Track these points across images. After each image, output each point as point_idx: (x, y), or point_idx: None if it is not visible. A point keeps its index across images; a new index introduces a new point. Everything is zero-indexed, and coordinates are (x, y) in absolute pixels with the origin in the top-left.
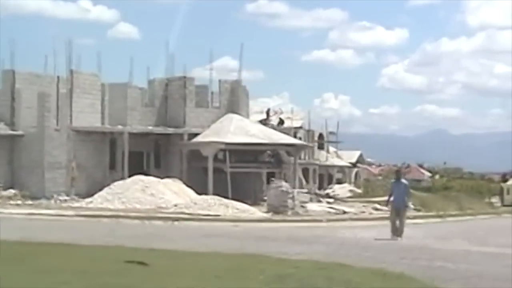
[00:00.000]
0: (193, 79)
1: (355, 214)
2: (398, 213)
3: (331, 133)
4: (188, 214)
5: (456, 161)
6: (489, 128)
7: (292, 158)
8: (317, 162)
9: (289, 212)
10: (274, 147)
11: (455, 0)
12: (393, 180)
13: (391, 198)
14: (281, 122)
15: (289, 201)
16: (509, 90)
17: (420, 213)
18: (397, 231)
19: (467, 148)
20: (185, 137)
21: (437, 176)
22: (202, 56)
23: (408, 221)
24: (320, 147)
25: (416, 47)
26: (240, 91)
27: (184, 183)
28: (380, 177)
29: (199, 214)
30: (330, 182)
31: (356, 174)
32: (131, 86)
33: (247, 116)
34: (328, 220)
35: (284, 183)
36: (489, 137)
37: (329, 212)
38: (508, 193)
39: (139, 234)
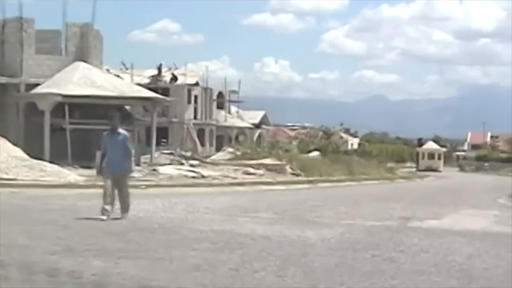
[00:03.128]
0: (33, 20)
1: (215, 178)
2: (116, 180)
3: (232, 91)
4: None
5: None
6: (427, 94)
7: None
8: (214, 123)
9: None
10: (125, 101)
11: None
12: (106, 132)
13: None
14: (174, 78)
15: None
16: (446, 57)
17: (283, 179)
18: (111, 206)
19: (405, 113)
20: (22, 88)
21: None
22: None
23: (263, 187)
24: (220, 106)
25: (356, 13)
26: (91, 36)
27: (12, 141)
28: (296, 140)
29: None
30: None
31: (259, 135)
32: None
33: (100, 65)
34: (156, 185)
35: None
36: (427, 103)
37: (185, 176)
38: (423, 157)
39: None
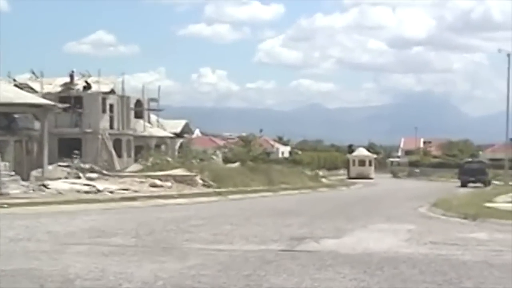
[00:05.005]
0: None
1: (112, 192)
2: None
3: (152, 99)
4: None
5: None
6: (363, 102)
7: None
8: (131, 133)
9: None
10: (11, 108)
11: None
12: None
13: None
14: (88, 86)
15: None
16: (381, 65)
17: (192, 191)
18: None
19: (341, 121)
20: None
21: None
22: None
23: (161, 201)
24: (139, 115)
25: (291, 22)
26: None
27: None
28: (225, 149)
29: None
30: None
31: (181, 145)
32: None
33: None
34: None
35: None
36: (363, 111)
37: (78, 191)
38: (354, 164)
39: None
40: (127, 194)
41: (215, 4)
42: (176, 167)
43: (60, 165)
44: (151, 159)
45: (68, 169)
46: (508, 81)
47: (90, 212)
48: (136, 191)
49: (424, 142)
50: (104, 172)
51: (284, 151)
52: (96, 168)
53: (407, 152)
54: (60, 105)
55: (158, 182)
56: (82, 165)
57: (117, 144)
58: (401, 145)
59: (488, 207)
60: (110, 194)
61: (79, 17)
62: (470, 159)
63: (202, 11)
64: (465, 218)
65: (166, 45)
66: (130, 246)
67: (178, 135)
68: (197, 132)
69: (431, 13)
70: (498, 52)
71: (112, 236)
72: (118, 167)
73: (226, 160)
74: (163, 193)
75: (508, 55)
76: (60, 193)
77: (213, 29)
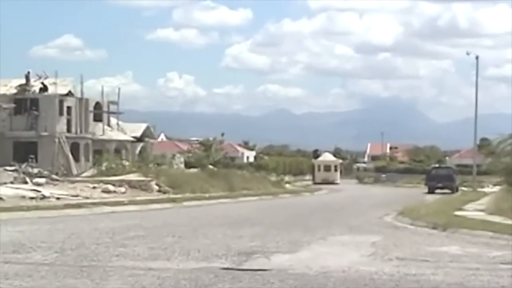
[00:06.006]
0: None
1: (58, 198)
2: None
3: (112, 102)
4: None
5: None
6: (330, 107)
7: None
8: (90, 136)
9: None
10: None
11: None
12: None
13: None
14: (44, 88)
15: None
16: (348, 71)
17: (146, 197)
18: None
19: (309, 127)
20: None
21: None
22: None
23: (109, 208)
24: (98, 118)
25: (259, 28)
26: None
27: None
28: (189, 154)
29: None
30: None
31: (141, 149)
32: None
33: None
34: None
35: None
36: (330, 116)
37: (23, 197)
38: (319, 170)
39: None
40: (74, 200)
41: (183, 9)
42: (131, 172)
43: (6, 169)
44: (105, 164)
45: (15, 174)
46: (476, 83)
47: (22, 221)
48: (86, 197)
49: (391, 148)
50: (54, 177)
51: (249, 156)
52: (45, 172)
53: (374, 158)
54: (5, 105)
55: (111, 187)
56: (30, 169)
57: (74, 148)
58: (368, 151)
59: (458, 216)
60: (55, 201)
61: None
62: (437, 165)
63: (169, 15)
64: (434, 228)
65: (133, 49)
66: (45, 264)
67: (139, 139)
68: (162, 137)
69: (398, 20)
70: (467, 55)
71: (32, 251)
72: (75, 171)
73: (189, 165)
74: (113, 199)
75: (477, 58)
76: (1, 198)
77: (181, 34)
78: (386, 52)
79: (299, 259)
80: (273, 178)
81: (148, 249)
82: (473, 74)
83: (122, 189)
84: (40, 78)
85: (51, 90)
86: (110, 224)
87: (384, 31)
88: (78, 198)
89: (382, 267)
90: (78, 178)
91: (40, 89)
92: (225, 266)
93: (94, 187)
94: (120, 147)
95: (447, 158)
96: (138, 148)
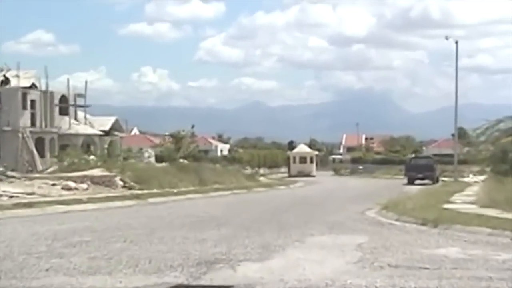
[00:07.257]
0: None
1: (11, 197)
2: None
3: (79, 95)
4: None
5: (272, 132)
6: (304, 99)
7: None
8: (55, 131)
9: None
10: None
11: None
12: None
13: None
14: (6, 80)
15: None
16: (322, 63)
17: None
18: None
19: (283, 119)
20: None
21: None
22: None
23: (63, 207)
24: (64, 112)
25: (232, 20)
26: None
27: None
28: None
29: None
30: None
31: (110, 143)
32: None
33: None
34: None
35: None
36: (304, 108)
37: None
38: (294, 162)
39: None
40: (27, 199)
41: (156, 3)
42: (96, 167)
43: None
44: (68, 158)
45: None
46: (456, 69)
47: None
48: (43, 195)
49: (366, 139)
50: (10, 173)
51: (223, 149)
52: (0, 169)
53: (349, 149)
54: None
55: (72, 184)
56: None
57: (39, 143)
58: (343, 142)
59: (448, 209)
60: (6, 200)
61: (16, 15)
62: (415, 155)
63: (142, 10)
64: (423, 224)
65: (106, 44)
66: None
67: (107, 133)
68: (135, 131)
69: (371, 11)
70: (446, 40)
71: None
72: (40, 167)
73: (161, 159)
74: (71, 197)
75: (456, 42)
76: None
77: (154, 28)
78: (359, 43)
79: (271, 269)
80: (248, 171)
81: (88, 259)
82: (446, 64)
83: (84, 186)
84: (1, 70)
85: (13, 83)
86: (55, 227)
87: (357, 23)
88: (33, 196)
89: (373, 278)
90: (37, 175)
91: (2, 82)
92: (179, 281)
93: (53, 184)
94: (88, 141)
95: (423, 148)
96: (108, 143)
